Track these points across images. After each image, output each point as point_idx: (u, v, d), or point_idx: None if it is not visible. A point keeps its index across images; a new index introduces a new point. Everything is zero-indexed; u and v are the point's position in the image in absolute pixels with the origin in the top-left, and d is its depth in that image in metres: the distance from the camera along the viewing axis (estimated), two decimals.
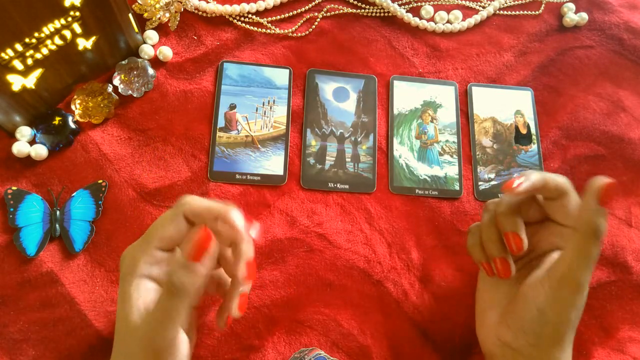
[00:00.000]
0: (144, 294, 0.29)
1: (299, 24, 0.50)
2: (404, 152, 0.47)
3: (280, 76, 0.47)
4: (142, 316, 0.28)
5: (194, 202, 0.30)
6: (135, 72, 0.44)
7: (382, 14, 0.52)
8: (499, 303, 0.36)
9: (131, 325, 0.28)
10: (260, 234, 0.33)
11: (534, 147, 0.48)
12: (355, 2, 0.51)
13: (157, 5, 0.45)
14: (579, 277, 0.31)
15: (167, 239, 0.30)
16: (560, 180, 0.34)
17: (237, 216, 0.30)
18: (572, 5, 0.54)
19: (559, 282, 0.32)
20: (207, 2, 0.48)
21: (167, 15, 0.46)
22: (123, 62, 0.44)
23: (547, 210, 0.36)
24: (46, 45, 0.38)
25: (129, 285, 0.29)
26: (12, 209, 0.39)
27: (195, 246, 0.27)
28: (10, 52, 0.35)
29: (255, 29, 0.49)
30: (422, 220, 0.44)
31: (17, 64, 0.37)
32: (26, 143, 0.41)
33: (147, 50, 0.45)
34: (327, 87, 0.48)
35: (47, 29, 0.37)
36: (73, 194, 0.41)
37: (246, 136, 0.45)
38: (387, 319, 0.41)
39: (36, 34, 0.36)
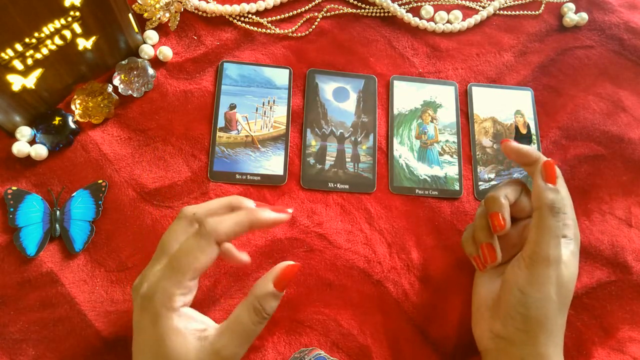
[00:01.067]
0: (190, 322, 0.29)
1: (299, 24, 0.50)
2: (404, 152, 0.47)
3: (280, 76, 0.47)
4: (203, 338, 0.29)
5: (222, 227, 0.30)
6: (135, 72, 0.44)
7: (382, 14, 0.52)
8: (492, 299, 0.37)
9: (192, 351, 0.29)
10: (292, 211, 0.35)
11: (534, 147, 0.48)
12: (355, 2, 0.51)
13: (157, 5, 0.45)
14: (546, 251, 0.33)
15: (200, 270, 0.30)
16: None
17: (266, 213, 0.31)
18: (572, 5, 0.54)
19: (530, 259, 0.34)
20: (207, 2, 0.48)
21: (167, 15, 0.46)
22: (123, 62, 0.44)
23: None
24: (46, 45, 0.38)
25: (171, 320, 0.29)
26: (12, 209, 0.39)
27: (285, 279, 0.30)
28: (10, 52, 0.35)
29: (255, 29, 0.49)
30: (422, 220, 0.44)
31: (17, 64, 0.37)
32: (26, 143, 0.41)
33: (147, 50, 0.45)
34: (327, 87, 0.48)
35: (47, 29, 0.37)
36: (73, 194, 0.41)
37: (246, 136, 0.45)
38: (387, 319, 0.41)
39: (36, 34, 0.36)
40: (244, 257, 0.34)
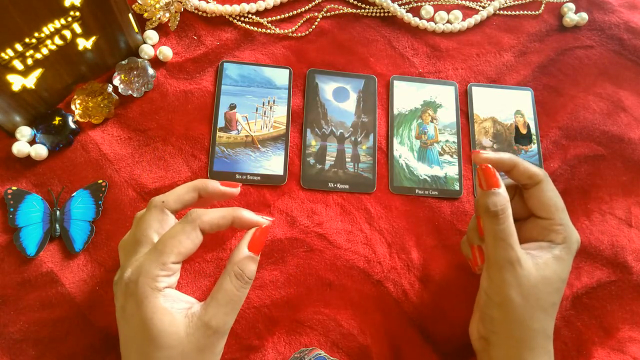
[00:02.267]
0: (175, 302, 0.30)
1: (299, 24, 0.50)
2: (404, 152, 0.47)
3: (280, 76, 0.47)
4: (190, 315, 0.29)
5: (207, 216, 0.31)
6: (135, 72, 0.44)
7: (382, 14, 0.52)
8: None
9: (182, 328, 0.29)
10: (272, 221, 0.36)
11: (534, 147, 0.48)
12: (355, 2, 0.51)
13: (157, 5, 0.45)
14: (494, 255, 0.33)
15: (183, 254, 0.30)
16: (532, 167, 0.36)
17: (249, 215, 0.33)
18: (572, 5, 0.54)
19: (487, 264, 0.35)
20: (207, 2, 0.48)
21: (167, 15, 0.46)
22: (123, 62, 0.44)
23: (527, 203, 0.37)
24: (46, 45, 0.38)
25: (157, 300, 0.29)
26: (12, 209, 0.39)
27: (258, 242, 0.31)
28: (10, 52, 0.35)
29: (255, 29, 0.49)
30: (422, 220, 0.44)
31: (17, 64, 0.37)
32: (26, 143, 0.41)
33: (147, 50, 0.45)
34: (327, 87, 0.48)
35: (47, 29, 0.37)
36: (73, 194, 0.41)
37: (246, 136, 0.45)
38: (387, 319, 0.41)
39: (36, 34, 0.36)
40: (233, 189, 0.35)
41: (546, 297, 0.33)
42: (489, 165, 0.35)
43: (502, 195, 0.34)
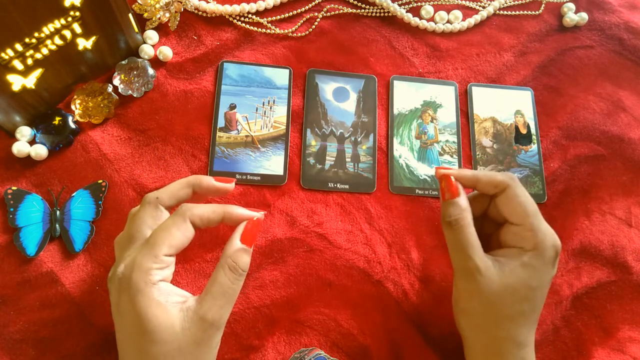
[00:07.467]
0: (170, 295, 0.30)
1: (299, 24, 0.50)
2: (404, 152, 0.47)
3: (280, 76, 0.47)
4: (185, 309, 0.29)
5: (198, 209, 0.31)
6: (135, 72, 0.44)
7: (382, 14, 0.52)
8: None
9: (177, 322, 0.29)
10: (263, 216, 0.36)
11: (534, 147, 0.48)
12: (355, 2, 0.51)
13: (157, 5, 0.45)
14: (454, 264, 0.35)
15: (175, 247, 0.30)
16: (497, 176, 0.35)
17: (240, 210, 0.32)
18: (572, 5, 0.54)
19: (453, 272, 0.35)
20: (207, 2, 0.48)
21: (167, 15, 0.46)
22: (123, 62, 0.44)
23: (499, 209, 0.36)
24: (46, 45, 0.38)
25: (150, 294, 0.29)
26: (12, 209, 0.39)
27: (250, 234, 0.31)
28: (10, 52, 0.35)
29: (255, 29, 0.49)
30: (422, 220, 0.44)
31: (17, 64, 0.37)
32: (26, 143, 0.41)
33: (147, 50, 0.45)
34: (327, 87, 0.48)
35: (47, 29, 0.37)
36: (73, 194, 0.41)
37: (246, 136, 0.45)
38: (387, 319, 0.41)
39: (36, 34, 0.36)
40: (227, 185, 0.35)
41: (512, 306, 0.33)
42: (450, 176, 0.35)
43: (457, 206, 0.34)
